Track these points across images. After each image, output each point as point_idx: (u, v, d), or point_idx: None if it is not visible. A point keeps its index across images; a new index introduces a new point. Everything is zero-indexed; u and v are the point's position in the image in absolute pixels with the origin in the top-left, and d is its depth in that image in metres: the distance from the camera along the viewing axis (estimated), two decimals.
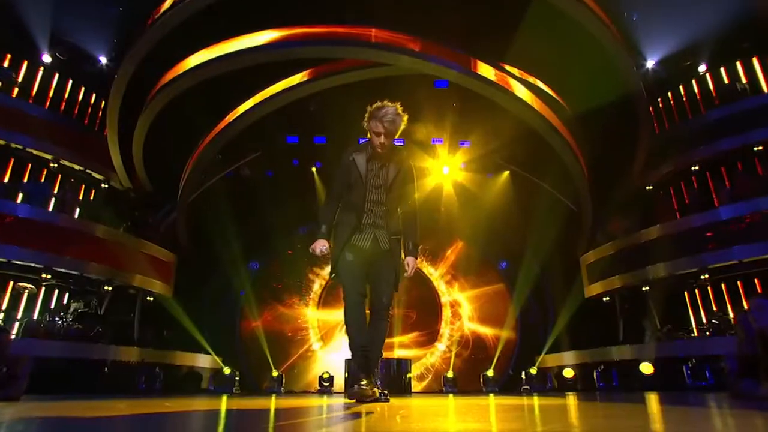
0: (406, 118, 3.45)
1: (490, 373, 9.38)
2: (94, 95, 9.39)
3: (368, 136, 3.45)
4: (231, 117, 8.83)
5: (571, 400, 4.10)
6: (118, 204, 8.93)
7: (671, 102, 9.55)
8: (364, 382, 3.08)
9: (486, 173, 10.67)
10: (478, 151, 10.09)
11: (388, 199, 3.49)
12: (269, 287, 10.70)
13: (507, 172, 10.51)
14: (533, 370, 9.17)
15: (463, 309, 10.65)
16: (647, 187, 9.44)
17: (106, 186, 9.26)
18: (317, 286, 10.68)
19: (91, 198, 9.14)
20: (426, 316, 10.44)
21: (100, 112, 9.31)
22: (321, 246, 3.36)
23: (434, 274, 10.88)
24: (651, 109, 9.11)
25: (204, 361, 9.21)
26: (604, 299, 9.13)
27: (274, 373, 9.32)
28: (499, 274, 10.81)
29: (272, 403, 3.78)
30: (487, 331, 10.44)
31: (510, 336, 10.28)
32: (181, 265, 9.39)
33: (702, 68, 9.14)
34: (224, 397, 4.98)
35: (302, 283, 10.70)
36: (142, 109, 8.33)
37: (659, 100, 9.63)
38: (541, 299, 10.27)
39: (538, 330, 10.13)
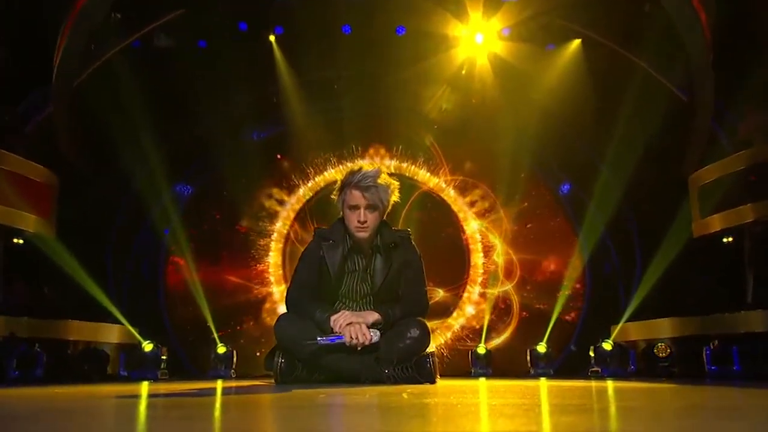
0: (396, 187, 4.00)
1: (541, 348, 9.27)
2: None
3: (341, 213, 3.88)
4: None
5: (665, 384, 4.32)
6: None
7: None
8: None
9: (543, 44, 10.19)
10: (530, 8, 9.49)
11: (377, 298, 3.94)
12: (209, 221, 10.57)
13: (577, 42, 9.94)
14: (607, 346, 8.89)
15: (502, 254, 10.42)
16: None
17: None
18: (284, 218, 10.45)
19: None
20: (447, 264, 10.19)
21: None
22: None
23: (459, 201, 10.57)
24: None
25: (111, 333, 9.09)
26: (725, 240, 8.80)
27: (221, 349, 9.22)
28: (558, 200, 10.57)
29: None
30: (537, 286, 10.34)
31: (573, 294, 10.15)
32: (68, 190, 8.96)
33: None
34: (144, 385, 4.94)
35: (260, 214, 10.48)
36: None
37: None
38: (623, 239, 10.03)
39: (615, 286, 9.93)
